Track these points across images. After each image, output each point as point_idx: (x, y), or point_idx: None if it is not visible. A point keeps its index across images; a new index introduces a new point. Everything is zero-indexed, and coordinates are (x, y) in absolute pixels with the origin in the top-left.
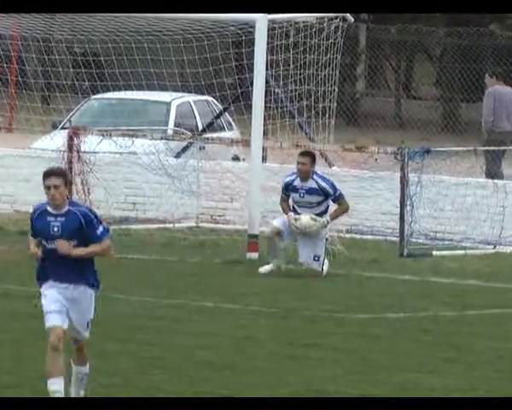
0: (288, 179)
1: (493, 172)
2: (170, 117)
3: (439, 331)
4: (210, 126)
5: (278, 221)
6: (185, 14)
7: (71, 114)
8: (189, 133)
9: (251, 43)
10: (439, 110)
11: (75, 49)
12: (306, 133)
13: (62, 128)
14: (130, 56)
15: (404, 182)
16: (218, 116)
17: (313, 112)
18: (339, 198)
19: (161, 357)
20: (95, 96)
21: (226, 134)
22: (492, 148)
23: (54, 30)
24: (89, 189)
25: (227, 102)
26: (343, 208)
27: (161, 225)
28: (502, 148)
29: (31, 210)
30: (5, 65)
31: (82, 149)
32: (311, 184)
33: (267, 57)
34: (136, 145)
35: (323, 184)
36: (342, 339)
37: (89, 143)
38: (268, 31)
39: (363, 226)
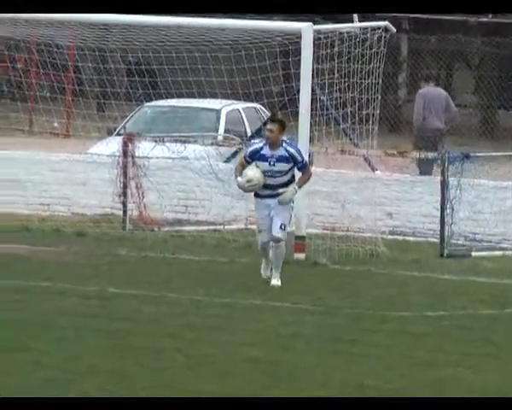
0: (255, 147)
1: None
2: (220, 124)
3: (477, 329)
4: (258, 133)
5: (262, 236)
6: (234, 23)
7: (125, 120)
8: (238, 139)
9: (297, 52)
10: (477, 117)
11: (129, 59)
12: (350, 139)
13: (117, 134)
14: (182, 65)
15: (444, 186)
16: (265, 123)
17: (357, 119)
18: (305, 166)
19: (210, 354)
20: (148, 104)
21: None
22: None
23: (108, 40)
24: (143, 192)
25: (275, 110)
26: (308, 175)
27: (212, 227)
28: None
29: (87, 213)
30: (62, 74)
31: (136, 155)
32: (280, 152)
33: (313, 66)
34: (187, 151)
35: (292, 150)
36: (384, 336)
37: (142, 148)
38: (313, 41)
39: (405, 228)
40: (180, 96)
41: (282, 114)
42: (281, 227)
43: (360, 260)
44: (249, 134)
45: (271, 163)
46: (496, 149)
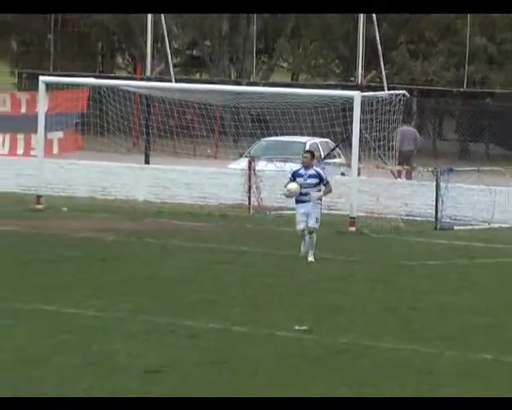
0: (295, 169)
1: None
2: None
3: (456, 272)
4: (328, 156)
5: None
6: (314, 91)
7: (250, 148)
8: (316, 160)
9: (351, 108)
10: (457, 147)
11: (252, 112)
12: (382, 159)
13: (245, 157)
14: (283, 116)
15: (437, 187)
16: (332, 150)
17: (386, 148)
18: (328, 182)
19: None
20: (263, 139)
21: (337, 160)
22: None
23: (240, 100)
24: (260, 191)
25: (338, 142)
26: (329, 188)
27: None
28: None
29: (227, 202)
30: (213, 121)
31: (256, 169)
32: (311, 171)
33: (360, 116)
34: (286, 167)
35: (319, 171)
36: (405, 274)
37: (260, 165)
38: (361, 102)
39: (414, 212)
40: (282, 134)
41: (342, 144)
42: (316, 221)
43: (387, 231)
44: (323, 156)
45: (305, 178)
46: (468, 166)
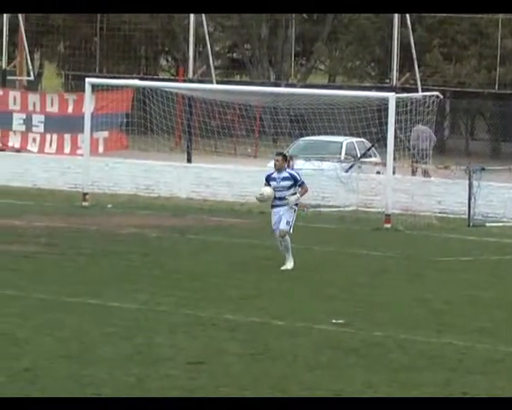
0: (269, 173)
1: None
2: (342, 149)
3: (489, 268)
4: (364, 155)
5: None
6: (350, 93)
7: (288, 147)
8: (352, 158)
9: (386, 109)
10: (489, 146)
11: (290, 112)
12: (416, 158)
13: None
14: (320, 116)
15: (470, 185)
16: (368, 149)
17: (419, 147)
18: (302, 183)
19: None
20: (302, 138)
21: (372, 159)
22: None
23: (279, 102)
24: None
25: (373, 142)
26: (305, 189)
27: (337, 209)
28: None
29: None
30: (253, 121)
31: (294, 167)
32: (284, 174)
33: (395, 117)
34: (323, 165)
35: (293, 172)
36: (436, 269)
37: (298, 163)
38: (395, 103)
39: (447, 209)
40: (319, 134)
41: (378, 144)
42: (286, 223)
43: (421, 228)
44: (359, 156)
45: (278, 182)
46: (500, 165)
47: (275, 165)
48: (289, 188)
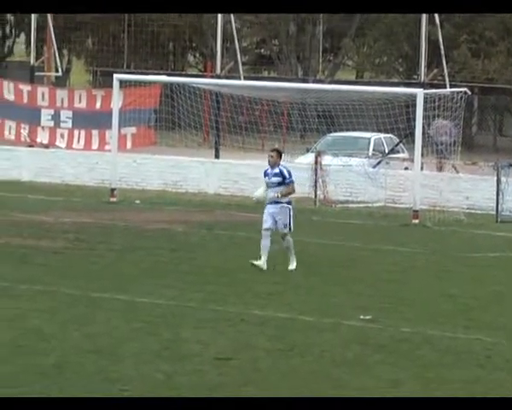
0: (265, 169)
1: None
2: (370, 145)
3: None
4: (391, 151)
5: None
6: (379, 89)
7: (316, 144)
8: (380, 154)
9: (414, 105)
10: None
11: (318, 108)
12: (444, 155)
13: (311, 152)
14: (348, 112)
15: (498, 181)
16: (396, 145)
17: (448, 143)
18: (290, 182)
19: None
20: (329, 134)
21: (400, 155)
22: None
23: (306, 98)
24: (326, 185)
25: (401, 137)
26: (290, 189)
27: (364, 205)
28: None
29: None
30: (280, 117)
31: (322, 163)
32: (276, 170)
33: (423, 113)
34: (351, 161)
35: (283, 169)
36: (465, 264)
37: (326, 159)
38: (424, 98)
39: (476, 205)
40: (347, 129)
41: (406, 140)
42: (284, 226)
43: (449, 224)
44: (387, 152)
45: (270, 177)
46: None
47: (269, 161)
48: (279, 184)
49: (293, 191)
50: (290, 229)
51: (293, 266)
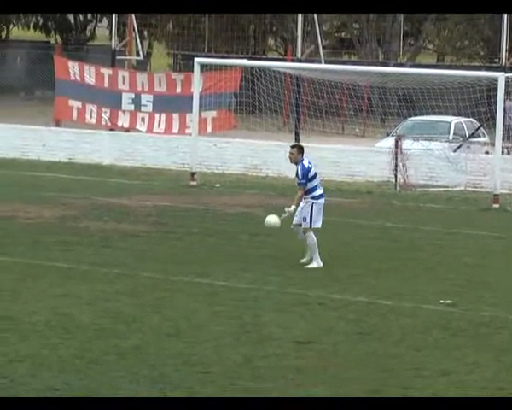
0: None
1: None
2: (450, 129)
3: None
4: (472, 135)
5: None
6: (460, 72)
7: (396, 127)
8: (461, 138)
9: (495, 89)
10: None
11: (399, 92)
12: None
13: (392, 135)
14: (429, 96)
15: None
16: (477, 129)
17: None
18: (299, 184)
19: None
20: (410, 118)
21: (481, 139)
22: None
23: (386, 82)
24: (406, 169)
25: (482, 122)
26: (299, 195)
27: (444, 189)
28: None
29: (374, 180)
30: (361, 101)
31: (403, 147)
32: (298, 167)
33: (504, 97)
34: (432, 145)
35: (298, 169)
36: None
37: (406, 143)
38: (505, 82)
39: None
40: (428, 113)
41: (487, 124)
42: (304, 220)
43: None
44: (467, 136)
45: (296, 174)
46: None
47: (289, 157)
48: (299, 184)
49: (301, 196)
50: (311, 225)
51: (309, 262)
